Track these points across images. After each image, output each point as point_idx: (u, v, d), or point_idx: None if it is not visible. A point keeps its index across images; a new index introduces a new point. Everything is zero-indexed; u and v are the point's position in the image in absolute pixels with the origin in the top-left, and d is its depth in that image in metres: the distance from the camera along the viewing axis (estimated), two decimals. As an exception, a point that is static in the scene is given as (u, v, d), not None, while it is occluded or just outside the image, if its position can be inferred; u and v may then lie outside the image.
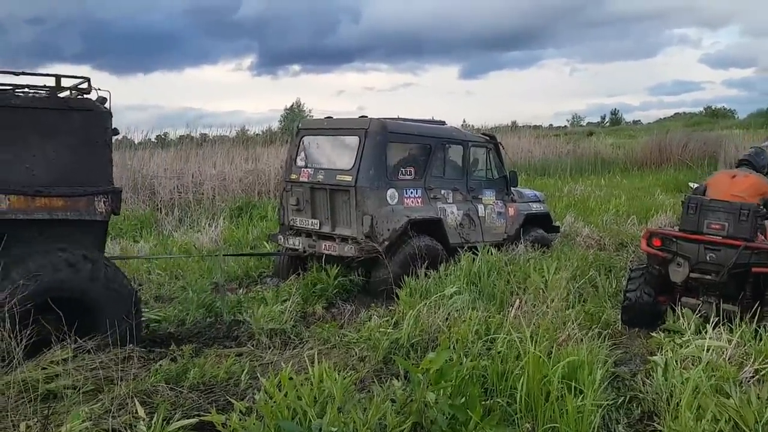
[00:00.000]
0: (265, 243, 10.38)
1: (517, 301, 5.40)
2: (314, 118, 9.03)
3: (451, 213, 8.05)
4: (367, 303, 7.08)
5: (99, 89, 5.54)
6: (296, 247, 8.02)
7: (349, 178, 7.42)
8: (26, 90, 5.36)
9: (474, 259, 7.15)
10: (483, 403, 3.87)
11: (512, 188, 9.06)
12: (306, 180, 7.97)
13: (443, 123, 9.15)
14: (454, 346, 4.78)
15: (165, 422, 3.67)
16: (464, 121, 29.22)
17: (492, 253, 7.46)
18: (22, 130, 5.19)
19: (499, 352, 4.56)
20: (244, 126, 25.58)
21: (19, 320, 4.77)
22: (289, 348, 5.48)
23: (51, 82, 5.53)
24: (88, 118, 5.47)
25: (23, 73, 5.42)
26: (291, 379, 3.53)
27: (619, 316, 6.44)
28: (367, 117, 7.79)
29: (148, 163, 15.64)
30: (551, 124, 44.08)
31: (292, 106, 38.84)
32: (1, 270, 4.90)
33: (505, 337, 4.67)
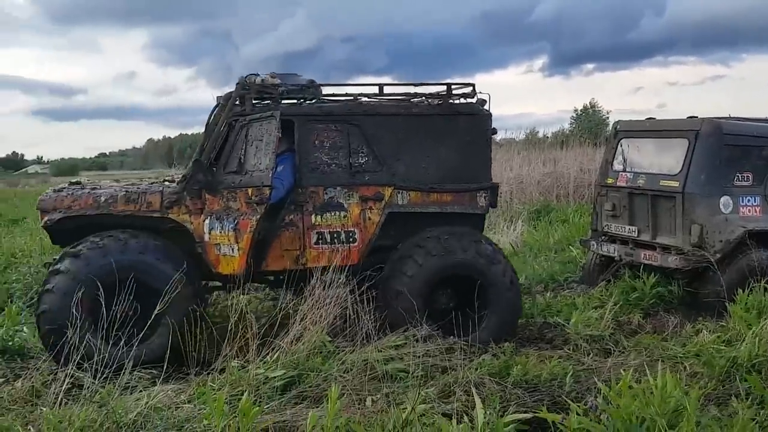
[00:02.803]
0: (569, 247, 10.20)
1: None
2: (631, 120, 8.50)
3: None
4: (690, 316, 6.55)
5: (480, 92, 6.12)
6: (611, 255, 7.71)
7: (675, 184, 6.91)
8: (423, 98, 6.19)
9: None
10: None
11: None
12: (624, 185, 7.61)
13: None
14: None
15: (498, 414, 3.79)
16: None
17: None
18: (419, 134, 5.94)
19: None
20: (533, 128, 25.58)
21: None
22: (612, 356, 5.30)
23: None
24: (473, 121, 6.09)
25: (421, 84, 6.28)
26: (631, 387, 3.37)
27: None
28: (697, 117, 7.19)
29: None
30: None
31: (585, 106, 37.58)
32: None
33: None
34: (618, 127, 8.23)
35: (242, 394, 4.01)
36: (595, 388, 4.23)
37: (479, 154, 6.10)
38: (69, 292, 5.09)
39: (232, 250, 5.51)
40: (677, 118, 7.57)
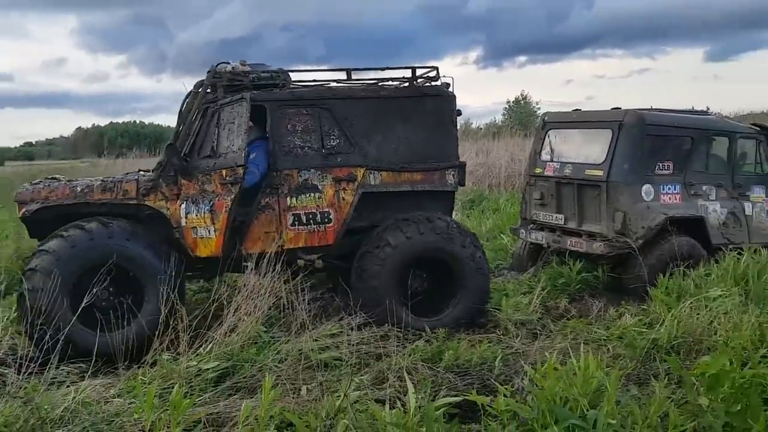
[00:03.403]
0: (500, 235, 10.43)
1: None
2: (559, 111, 8.74)
3: (714, 211, 7.41)
4: (614, 300, 6.81)
5: (444, 76, 6.34)
6: (539, 242, 7.94)
7: (600, 173, 7.16)
8: (390, 82, 6.38)
9: (740, 259, 6.53)
10: (765, 413, 3.55)
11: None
12: (551, 174, 7.84)
13: (706, 113, 8.44)
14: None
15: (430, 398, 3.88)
16: (707, 109, 26.74)
17: (762, 254, 6.76)
18: (388, 116, 6.10)
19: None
20: (468, 119, 26.06)
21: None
22: (539, 339, 5.47)
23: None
24: (439, 102, 6.28)
25: (387, 68, 6.42)
26: (556, 369, 3.51)
27: None
28: (621, 108, 7.46)
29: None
30: (821, 110, 38.38)
31: (516, 98, 38.33)
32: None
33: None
34: (546, 118, 8.46)
35: (173, 387, 3.98)
36: (522, 370, 4.38)
37: (446, 134, 6.30)
38: (52, 274, 5.13)
39: (209, 231, 5.67)
40: (602, 110, 7.83)
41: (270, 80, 6.05)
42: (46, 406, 3.71)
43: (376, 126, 6.06)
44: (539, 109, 35.77)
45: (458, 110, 6.39)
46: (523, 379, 3.96)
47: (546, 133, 8.17)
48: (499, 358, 4.82)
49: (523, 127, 22.47)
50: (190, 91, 6.04)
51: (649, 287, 6.37)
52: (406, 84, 6.33)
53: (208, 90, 5.90)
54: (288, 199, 5.81)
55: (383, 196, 6.13)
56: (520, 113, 34.71)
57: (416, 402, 3.65)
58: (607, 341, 5.39)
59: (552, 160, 7.94)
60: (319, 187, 5.87)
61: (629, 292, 6.88)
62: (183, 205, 5.72)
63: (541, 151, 8.16)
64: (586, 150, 7.63)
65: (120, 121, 73.14)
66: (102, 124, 67.69)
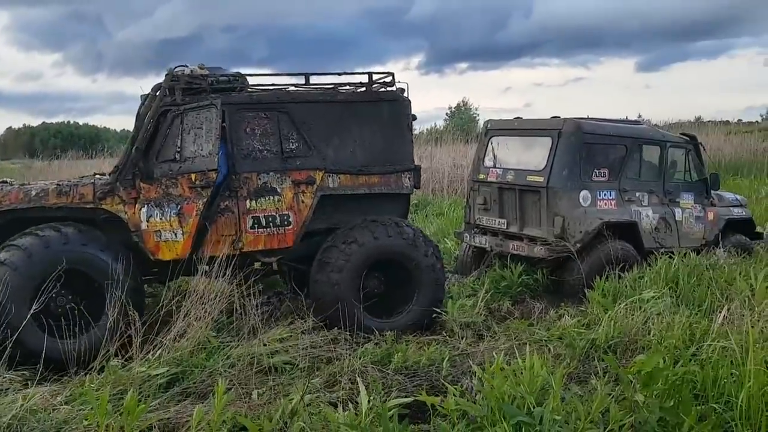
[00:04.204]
0: (444, 239, 10.63)
1: (725, 308, 5.14)
2: (501, 119, 8.97)
3: (646, 216, 7.77)
4: (554, 302, 7.05)
5: (399, 81, 6.50)
6: (482, 246, 8.14)
7: (540, 179, 7.41)
8: (347, 87, 6.47)
9: (671, 262, 6.87)
10: (696, 407, 3.79)
11: (712, 192, 8.56)
12: (494, 180, 8.05)
13: (639, 122, 8.84)
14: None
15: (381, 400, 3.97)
16: (639, 116, 27.76)
17: (691, 257, 7.13)
18: (345, 120, 6.21)
19: (709, 359, 4.39)
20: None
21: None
22: (484, 341, 5.64)
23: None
24: (395, 107, 6.44)
25: (344, 73, 6.56)
26: (503, 368, 3.65)
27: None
28: (560, 117, 7.74)
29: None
30: (740, 120, 40.25)
31: (458, 104, 38.97)
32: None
33: (716, 344, 4.48)
34: (489, 125, 8.69)
35: (124, 393, 3.96)
36: (470, 371, 4.52)
37: (402, 138, 6.46)
38: (10, 283, 5.02)
39: (176, 234, 5.65)
40: (542, 118, 8.11)
41: (228, 84, 6.08)
42: (-7, 415, 3.65)
43: (334, 129, 6.16)
44: (478, 115, 36.50)
45: (413, 115, 6.56)
46: (471, 378, 4.10)
47: (489, 140, 8.40)
48: (446, 359, 4.95)
49: (464, 134, 22.87)
50: (148, 94, 6.00)
51: (587, 289, 6.63)
52: (363, 89, 6.45)
53: (166, 93, 5.85)
54: (247, 202, 5.83)
55: (341, 198, 6.21)
56: (461, 119, 35.26)
57: (368, 403, 3.75)
58: (548, 342, 5.57)
59: (495, 167, 8.16)
60: (279, 190, 5.91)
61: (568, 294, 7.14)
62: (144, 209, 5.64)
63: (484, 157, 8.38)
64: (527, 157, 7.88)
65: (53, 121, 70.65)
66: (34, 124, 65.30)
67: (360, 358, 4.97)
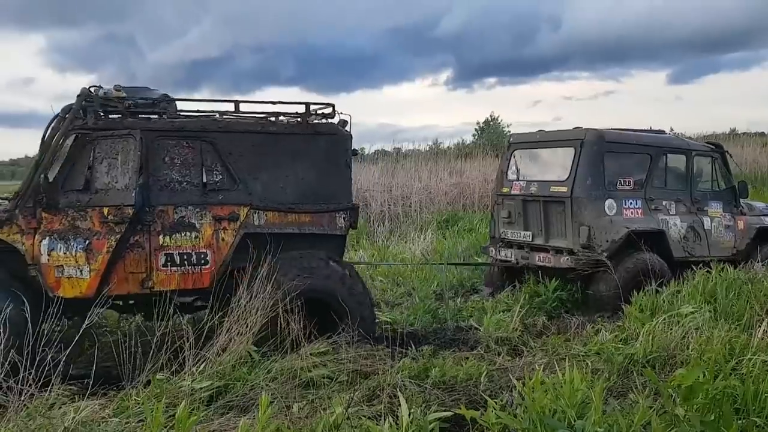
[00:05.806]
0: (474, 255, 10.67)
1: (765, 321, 5.11)
2: (523, 132, 9.02)
3: (674, 225, 7.76)
4: (589, 317, 7.04)
5: (341, 113, 6.06)
6: (508, 259, 8.16)
7: (564, 189, 7.43)
8: (281, 118, 6.02)
9: (709, 276, 6.83)
10: (737, 421, 3.78)
11: (741, 200, 8.50)
12: (518, 193, 8.10)
13: (663, 132, 8.83)
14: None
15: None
16: (671, 130, 27.41)
17: (728, 270, 7.08)
18: (277, 153, 5.83)
19: (750, 373, 4.38)
20: (436, 139, 26.59)
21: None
22: (520, 356, 5.66)
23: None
24: (333, 141, 6.02)
25: (280, 102, 6.05)
26: (543, 382, 3.69)
27: None
28: (582, 128, 7.77)
29: (359, 177, 16.66)
30: (776, 131, 39.53)
31: (486, 119, 38.91)
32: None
33: (757, 358, 4.47)
34: (511, 139, 8.76)
35: (169, 407, 4.06)
36: (509, 385, 4.55)
37: (339, 175, 6.03)
38: None
39: (81, 271, 5.23)
40: (565, 129, 8.16)
41: (149, 107, 5.67)
42: (48, 427, 3.77)
43: (263, 163, 5.74)
44: (509, 130, 36.37)
45: (354, 150, 6.18)
46: (511, 393, 4.13)
47: (512, 153, 8.46)
48: (484, 374, 4.98)
49: (494, 148, 22.89)
50: (56, 115, 5.45)
51: (622, 303, 6.62)
52: (299, 120, 6.00)
53: (78, 115, 5.40)
54: (160, 237, 5.41)
55: (269, 237, 5.69)
56: (491, 134, 35.20)
57: (409, 416, 3.81)
58: (586, 357, 5.56)
59: (518, 179, 8.20)
60: (197, 226, 5.49)
61: (601, 308, 7.12)
62: (45, 241, 5.21)
63: (507, 170, 8.43)
64: (550, 168, 7.94)
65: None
66: (69, 144, 66.41)
67: (398, 373, 5.02)
